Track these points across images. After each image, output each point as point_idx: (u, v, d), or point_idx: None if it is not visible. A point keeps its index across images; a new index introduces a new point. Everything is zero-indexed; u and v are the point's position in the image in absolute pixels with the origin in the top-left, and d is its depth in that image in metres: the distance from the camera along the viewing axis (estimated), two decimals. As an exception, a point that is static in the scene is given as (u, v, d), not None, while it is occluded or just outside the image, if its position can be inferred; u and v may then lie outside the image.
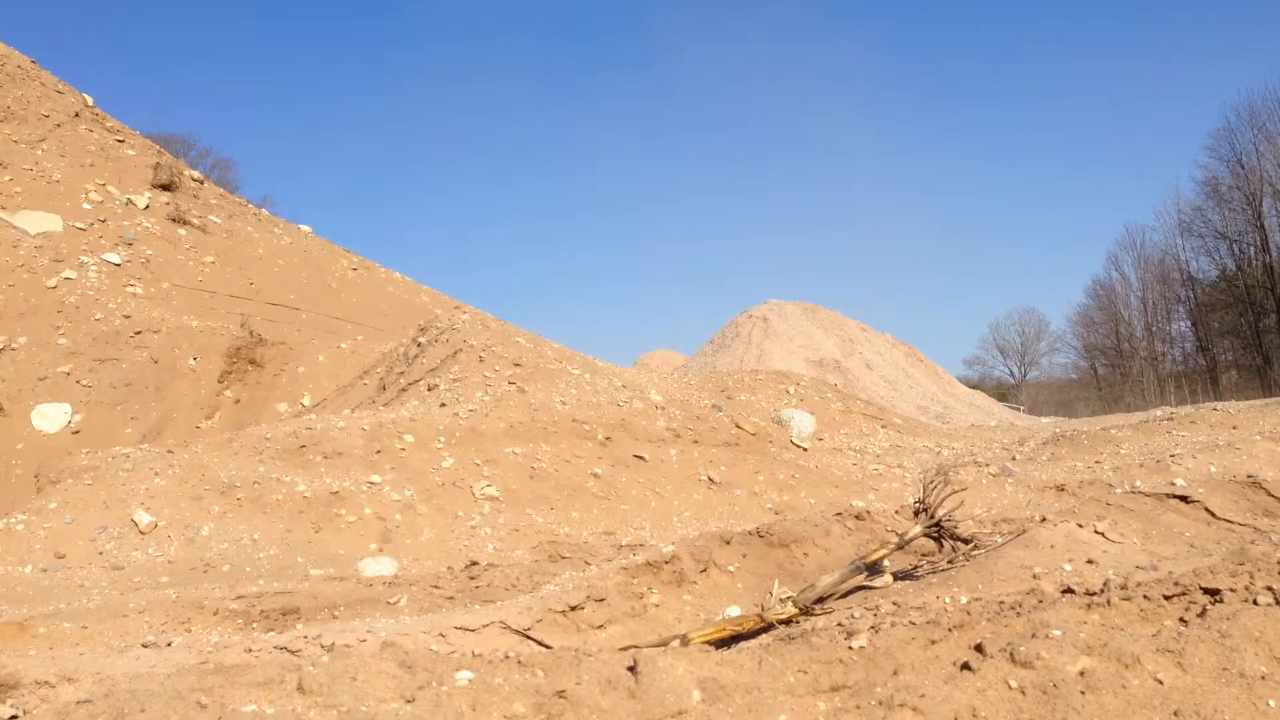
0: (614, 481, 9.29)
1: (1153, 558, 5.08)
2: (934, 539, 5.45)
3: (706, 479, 9.70)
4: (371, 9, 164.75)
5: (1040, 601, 3.34)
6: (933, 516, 5.36)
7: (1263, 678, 2.50)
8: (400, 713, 2.53)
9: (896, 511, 6.65)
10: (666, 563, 5.27)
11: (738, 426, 11.08)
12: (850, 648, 2.95)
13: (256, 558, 7.16)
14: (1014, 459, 11.01)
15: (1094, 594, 3.26)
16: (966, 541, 5.46)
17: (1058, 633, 2.83)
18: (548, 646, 3.88)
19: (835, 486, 10.07)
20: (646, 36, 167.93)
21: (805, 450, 11.33)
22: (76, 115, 22.17)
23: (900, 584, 5.05)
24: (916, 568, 5.36)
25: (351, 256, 25.10)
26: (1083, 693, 2.49)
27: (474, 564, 6.92)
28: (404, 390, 11.67)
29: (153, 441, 12.10)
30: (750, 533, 5.83)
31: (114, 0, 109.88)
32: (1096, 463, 9.75)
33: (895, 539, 5.21)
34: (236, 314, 17.64)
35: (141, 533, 7.37)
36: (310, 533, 7.74)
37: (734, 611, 4.93)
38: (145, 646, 3.96)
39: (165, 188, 21.23)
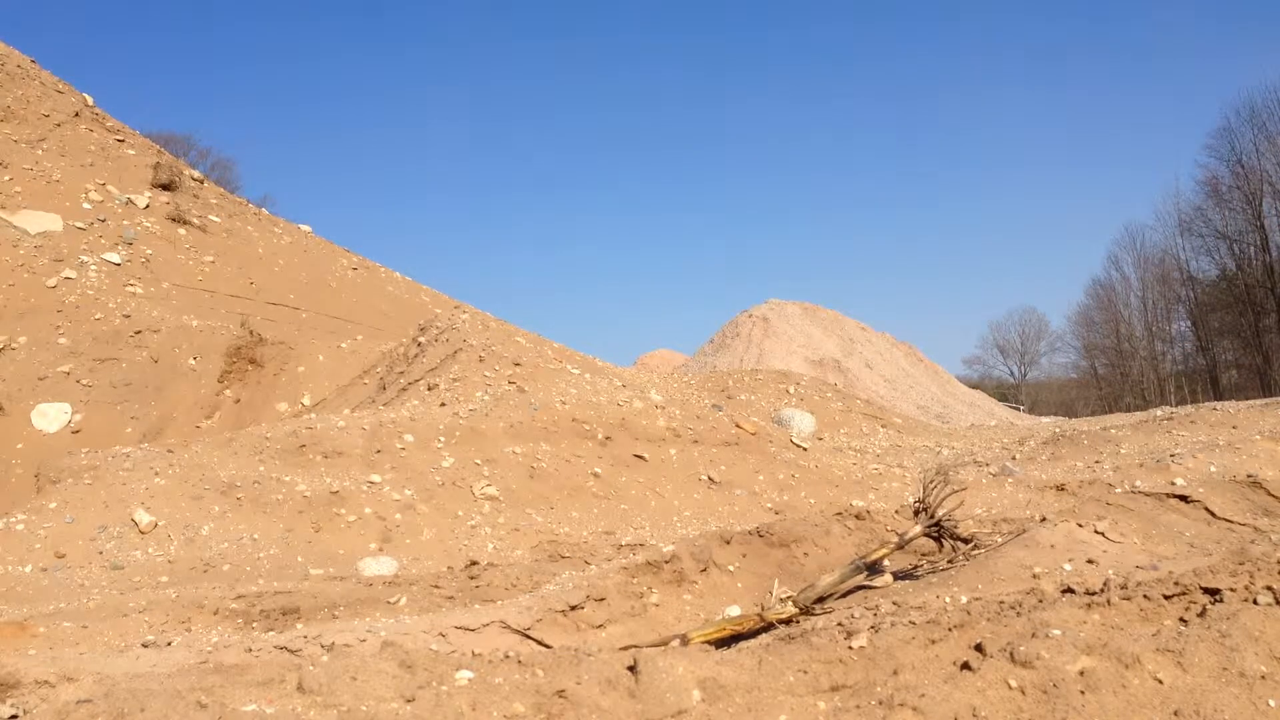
0: (614, 481, 9.29)
1: (1153, 557, 5.08)
2: (934, 539, 5.45)
3: (706, 479, 9.70)
4: (372, 8, 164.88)
5: (1040, 601, 3.34)
6: (933, 516, 5.36)
7: (1263, 677, 2.50)
8: (400, 712, 2.53)
9: (896, 511, 6.65)
10: (666, 562, 5.27)
11: (738, 426, 11.08)
12: (850, 648, 2.95)
13: (256, 557, 7.16)
14: (1014, 459, 11.00)
15: (1094, 594, 3.26)
16: (966, 541, 5.46)
17: (1058, 632, 2.83)
18: (548, 646, 3.88)
19: (835, 486, 10.07)
20: (644, 36, 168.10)
21: (805, 450, 11.33)
22: (76, 115, 22.16)
23: (900, 584, 5.05)
24: (916, 567, 5.36)
25: (351, 256, 25.08)
26: (1083, 692, 2.49)
27: (474, 564, 6.92)
28: (404, 390, 11.67)
29: (153, 441, 12.09)
30: (750, 532, 5.83)
31: (114, 0, 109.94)
32: (1096, 463, 9.74)
33: (895, 539, 5.22)
34: (236, 314, 17.63)
35: (141, 532, 7.37)
36: (310, 532, 7.73)
37: (734, 611, 4.93)
38: (145, 646, 3.96)
39: (165, 187, 21.22)
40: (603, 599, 4.84)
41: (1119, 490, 7.11)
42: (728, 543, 5.68)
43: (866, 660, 2.88)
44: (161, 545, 7.25)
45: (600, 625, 4.69)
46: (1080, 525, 5.41)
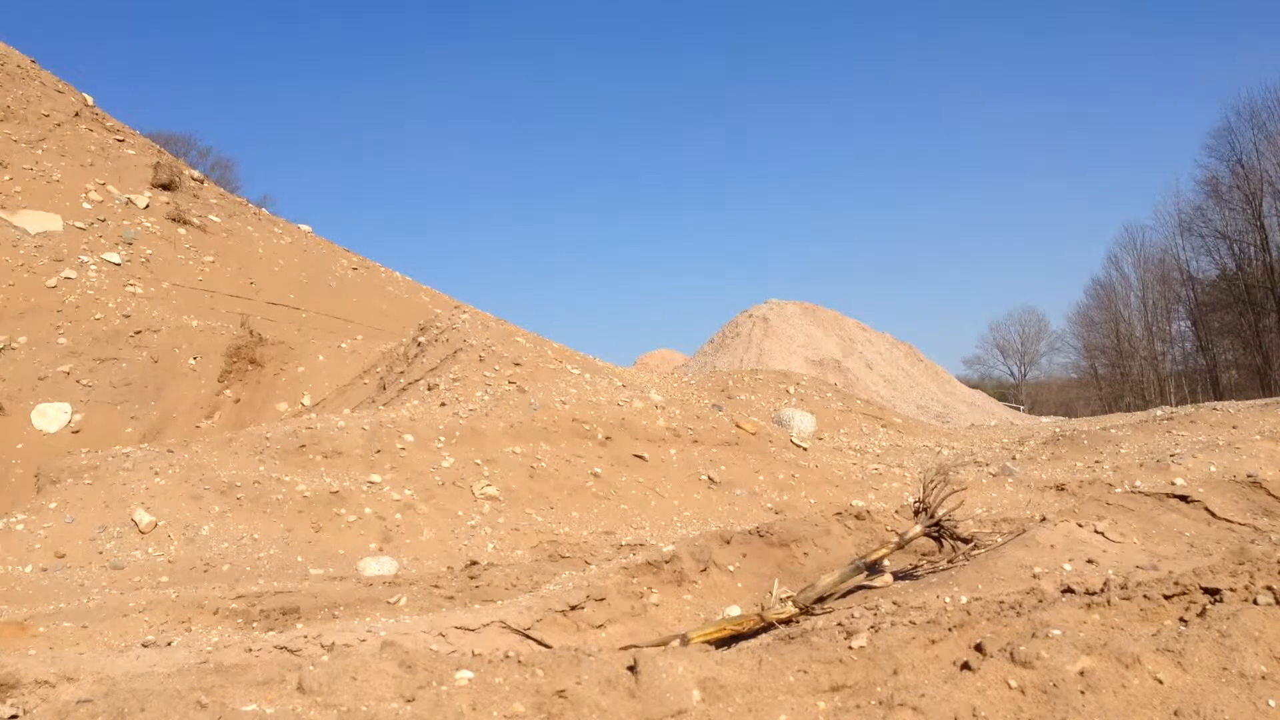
0: (614, 481, 9.29)
1: (1153, 557, 5.08)
2: (934, 538, 5.45)
3: (706, 478, 9.70)
4: (371, 9, 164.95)
5: (1040, 601, 3.34)
6: (933, 516, 5.36)
7: (1263, 677, 2.50)
8: (400, 712, 2.53)
9: (896, 511, 6.65)
10: (666, 562, 5.27)
11: (738, 426, 11.08)
12: (850, 647, 2.95)
13: (256, 557, 7.15)
14: (1014, 459, 11.00)
15: (1094, 594, 3.26)
16: (966, 541, 5.46)
17: (1058, 632, 2.83)
18: (548, 646, 3.88)
19: (835, 486, 10.07)
20: (645, 36, 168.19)
21: (805, 450, 11.33)
22: (76, 115, 22.16)
23: (900, 584, 5.05)
24: (916, 567, 5.36)
25: (351, 256, 25.08)
26: (1083, 692, 2.49)
27: (474, 564, 6.92)
28: (404, 390, 11.67)
29: (153, 441, 12.09)
30: (750, 532, 5.83)
31: (114, 0, 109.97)
32: (1096, 463, 9.74)
33: (895, 539, 5.21)
34: (236, 314, 17.63)
35: (141, 532, 7.37)
36: (310, 532, 7.74)
37: (734, 611, 4.93)
38: (145, 646, 3.96)
39: (165, 187, 21.22)
40: (603, 599, 4.84)
41: (1119, 490, 7.11)
42: (728, 543, 5.68)
43: (866, 660, 2.88)
44: (161, 545, 7.25)
45: (600, 625, 4.69)
46: (1080, 525, 5.40)
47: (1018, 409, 39.74)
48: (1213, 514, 6.30)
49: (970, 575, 4.86)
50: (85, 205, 19.10)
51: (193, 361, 15.46)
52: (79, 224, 18.43)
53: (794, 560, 5.63)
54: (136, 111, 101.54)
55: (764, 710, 2.64)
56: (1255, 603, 2.89)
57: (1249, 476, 7.15)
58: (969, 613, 3.21)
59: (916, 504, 5.69)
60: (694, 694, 2.69)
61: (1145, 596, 3.12)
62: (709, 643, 4.07)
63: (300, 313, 19.73)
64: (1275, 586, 2.95)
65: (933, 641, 2.98)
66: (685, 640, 4.12)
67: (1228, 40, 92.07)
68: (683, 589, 5.23)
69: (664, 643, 4.06)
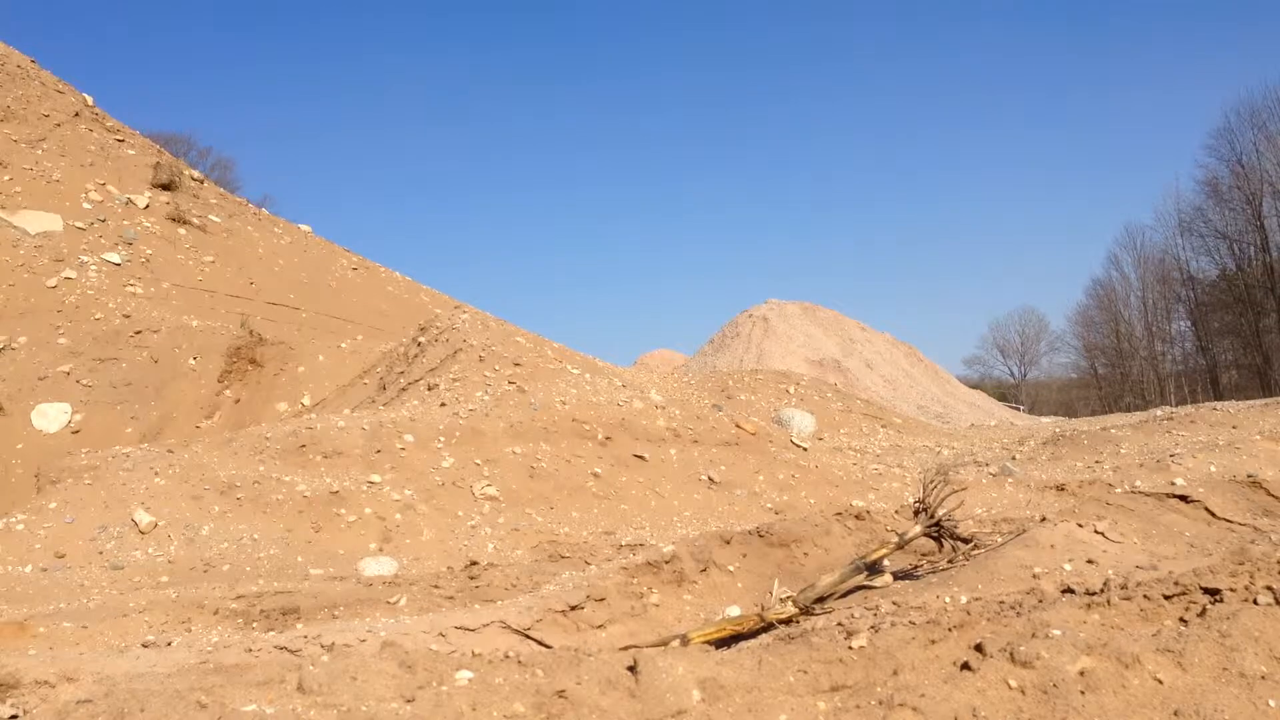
0: (614, 481, 9.29)
1: (1153, 557, 5.08)
2: (934, 539, 5.45)
3: (706, 479, 9.70)
4: (371, 9, 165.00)
5: (1040, 601, 3.34)
6: (933, 516, 5.36)
7: (1263, 678, 2.50)
8: (400, 712, 2.53)
9: (896, 511, 6.65)
10: (666, 562, 5.27)
11: (738, 426, 11.07)
12: (850, 647, 2.95)
13: (256, 557, 7.15)
14: (1014, 459, 11.00)
15: (1094, 594, 3.26)
16: (966, 541, 5.46)
17: (1058, 632, 2.84)
18: (548, 646, 3.88)
19: (835, 486, 10.07)
20: (644, 36, 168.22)
21: (805, 450, 11.33)
22: (76, 115, 22.16)
23: (900, 584, 5.04)
24: (916, 567, 5.36)
25: (351, 256, 25.08)
26: (1083, 692, 2.49)
27: (474, 564, 6.92)
28: (404, 390, 11.67)
29: (153, 441, 12.09)
30: (750, 532, 5.83)
31: (114, 0, 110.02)
32: (1096, 463, 9.74)
33: (895, 539, 5.21)
34: (236, 314, 17.63)
35: (141, 532, 7.37)
36: (310, 532, 7.73)
37: (734, 611, 4.93)
38: (145, 646, 3.96)
39: (165, 187, 21.22)
40: (603, 599, 4.84)
41: (1119, 490, 7.11)
42: (728, 543, 5.68)
43: (866, 660, 2.88)
44: (161, 545, 7.25)
45: (600, 625, 4.69)
46: (1080, 525, 5.40)
47: (1018, 409, 39.75)
48: (1213, 514, 6.30)
49: (970, 575, 4.86)
50: (85, 205, 19.09)
51: (193, 361, 15.46)
52: (79, 224, 18.43)
53: (794, 560, 5.63)
54: (136, 111, 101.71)
55: (764, 710, 2.64)
56: (1255, 603, 2.89)
57: (1249, 476, 7.15)
58: (969, 613, 3.21)
59: (916, 504, 5.69)
60: (694, 694, 2.69)
61: (1145, 596, 3.12)
62: (709, 643, 4.07)
63: (300, 313, 19.73)
64: (1275, 586, 2.95)
65: (933, 641, 2.98)
66: (685, 640, 4.12)
67: (1228, 40, 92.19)
68: (683, 589, 5.23)
69: (664, 643, 4.05)
